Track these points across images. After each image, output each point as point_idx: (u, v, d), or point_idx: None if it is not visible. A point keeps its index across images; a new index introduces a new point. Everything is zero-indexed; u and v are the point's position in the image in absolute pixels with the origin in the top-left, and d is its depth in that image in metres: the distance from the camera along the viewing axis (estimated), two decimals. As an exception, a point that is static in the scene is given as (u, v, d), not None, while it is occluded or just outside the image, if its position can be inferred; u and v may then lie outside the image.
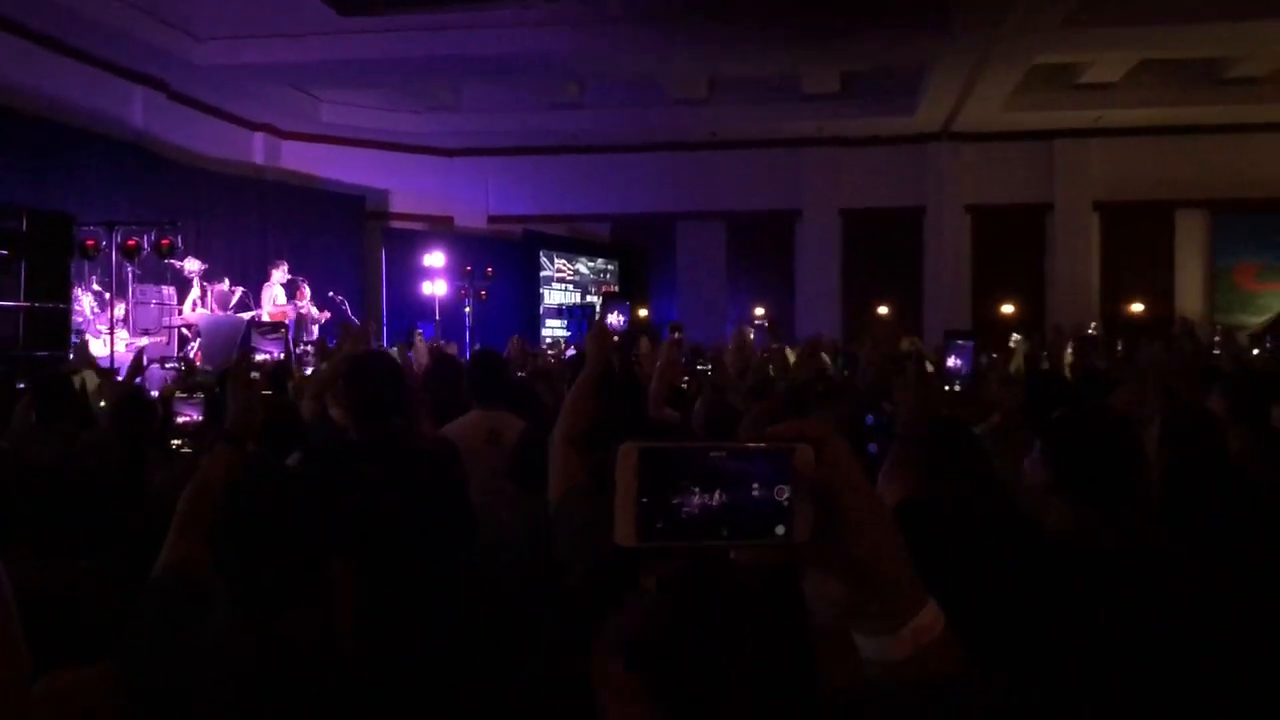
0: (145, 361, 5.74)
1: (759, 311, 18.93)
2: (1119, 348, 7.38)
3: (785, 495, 0.82)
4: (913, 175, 20.58)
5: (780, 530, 0.82)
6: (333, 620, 1.88)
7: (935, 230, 20.80)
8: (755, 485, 0.82)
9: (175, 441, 3.25)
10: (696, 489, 0.81)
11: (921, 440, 2.59)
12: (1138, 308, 19.21)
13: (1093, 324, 16.65)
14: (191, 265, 13.71)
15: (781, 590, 1.72)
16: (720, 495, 0.81)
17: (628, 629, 1.84)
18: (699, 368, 6.12)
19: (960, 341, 4.03)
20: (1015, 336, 8.84)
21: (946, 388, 3.85)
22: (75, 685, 1.95)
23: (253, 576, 1.72)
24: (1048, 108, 18.51)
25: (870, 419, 3.38)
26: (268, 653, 1.68)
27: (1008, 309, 18.32)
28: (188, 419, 3.29)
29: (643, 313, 19.60)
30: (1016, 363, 5.69)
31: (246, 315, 13.51)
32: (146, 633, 1.88)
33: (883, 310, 19.92)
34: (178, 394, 3.35)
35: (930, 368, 7.36)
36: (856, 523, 0.82)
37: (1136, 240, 20.36)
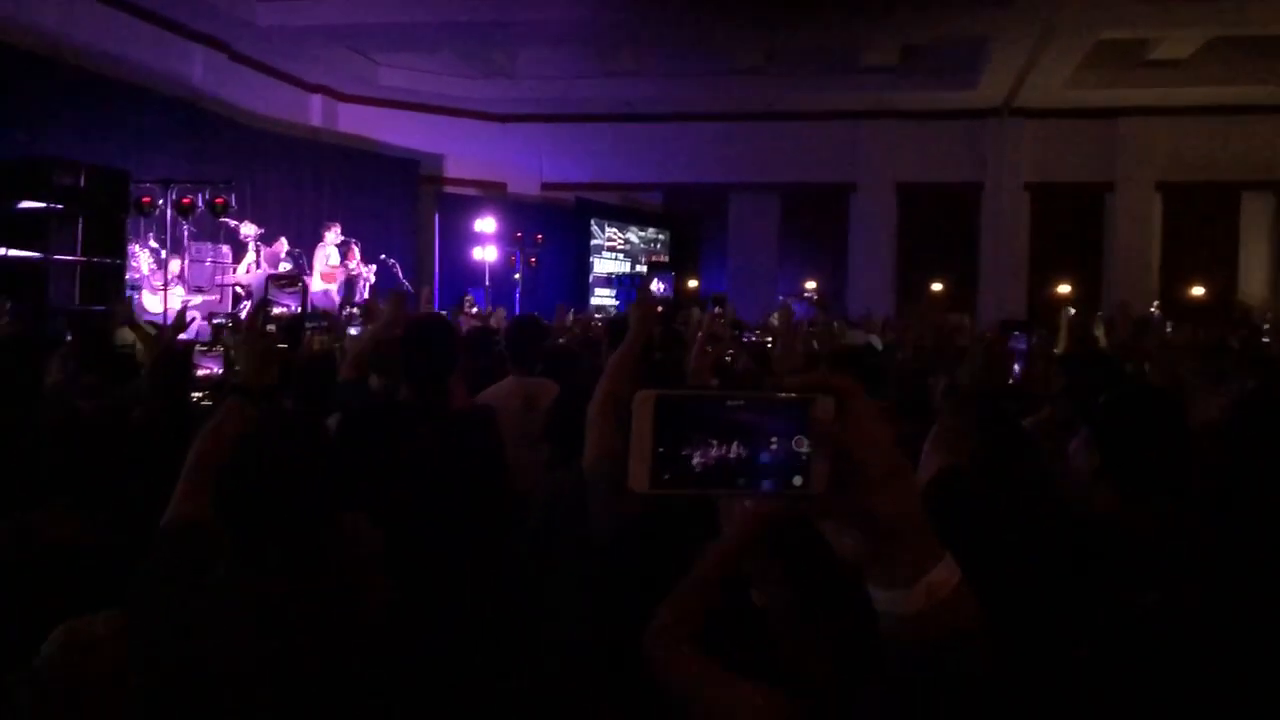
0: (190, 318, 5.80)
1: (810, 285, 18.79)
2: (1168, 330, 7.24)
3: (804, 446, 0.81)
4: (972, 151, 20.24)
5: (798, 481, 0.81)
6: (347, 577, 1.88)
7: (993, 207, 20.46)
8: (773, 435, 0.81)
9: (195, 394, 3.28)
10: (713, 437, 0.80)
11: (968, 409, 2.55)
12: (1199, 291, 18.77)
13: (1154, 305, 16.29)
14: (248, 229, 13.86)
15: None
16: (737, 444, 0.80)
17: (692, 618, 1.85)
18: (743, 340, 6.10)
19: (1016, 333, 3.95)
20: (1070, 311, 8.65)
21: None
22: (91, 632, 1.97)
23: (256, 530, 1.72)
24: (1113, 84, 18.08)
25: None
26: (267, 607, 1.68)
27: (1064, 289, 17.97)
28: (208, 371, 3.32)
29: (692, 284, 19.51)
30: (1062, 341, 5.57)
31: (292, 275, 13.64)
32: (153, 584, 1.89)
33: (936, 287, 19.68)
34: (198, 347, 3.38)
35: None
36: (875, 476, 0.81)
37: (1200, 222, 19.88)
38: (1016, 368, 3.84)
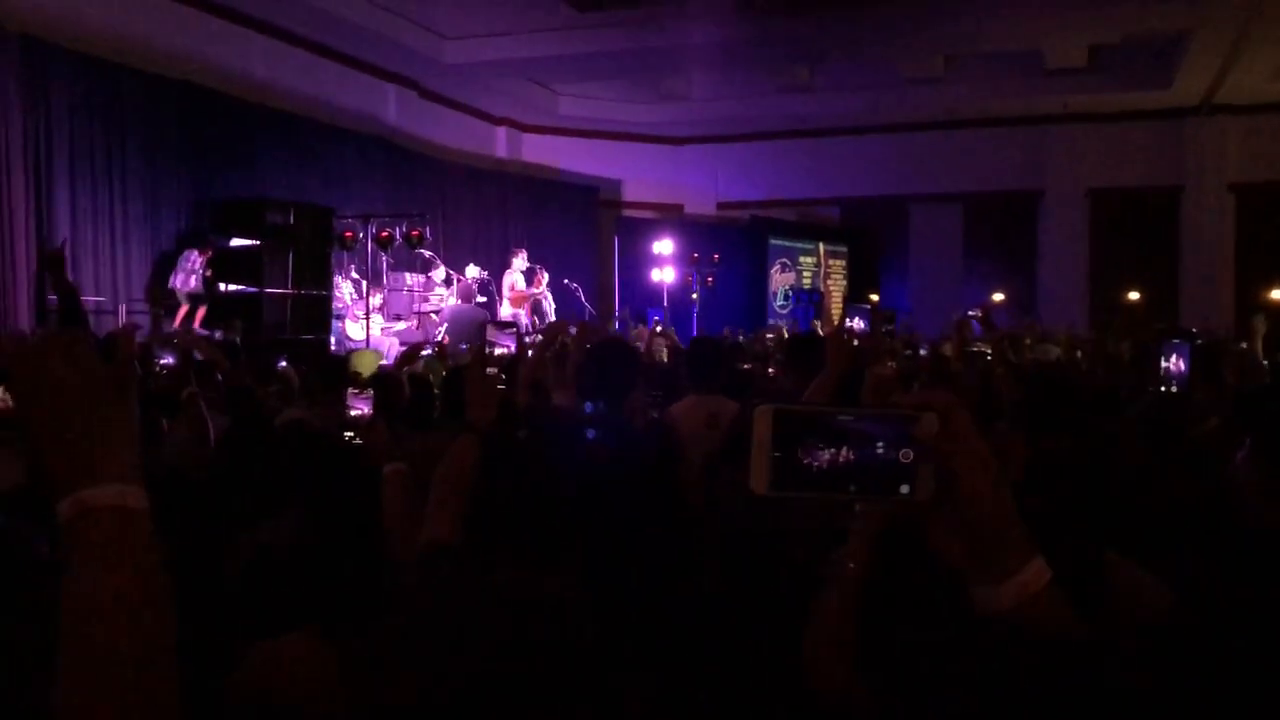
0: (420, 353, 6.26)
1: (998, 297, 18.23)
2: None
3: (910, 458, 0.91)
4: (1169, 152, 19.24)
5: (905, 489, 0.92)
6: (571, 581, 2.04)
7: (1194, 211, 19.38)
8: (881, 446, 0.91)
9: (348, 433, 3.55)
10: (825, 446, 0.91)
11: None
12: None
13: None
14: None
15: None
16: (848, 453, 0.91)
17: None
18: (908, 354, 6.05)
19: (1176, 341, 3.83)
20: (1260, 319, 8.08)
21: (1163, 389, 3.68)
22: (284, 652, 2.16)
23: (513, 543, 1.89)
24: (1327, 74, 16.84)
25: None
26: (529, 612, 1.83)
27: (1277, 294, 16.82)
28: (360, 413, 3.60)
29: (874, 298, 19.23)
30: (1255, 346, 5.23)
31: (483, 299, 14.23)
32: (419, 605, 2.08)
33: (1133, 296, 18.78)
34: (350, 390, 3.67)
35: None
36: (970, 486, 0.91)
37: None
38: (1175, 364, 3.71)
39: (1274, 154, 18.68)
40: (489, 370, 2.89)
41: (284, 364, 6.71)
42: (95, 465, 1.08)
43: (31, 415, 1.10)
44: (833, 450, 0.90)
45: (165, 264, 11.95)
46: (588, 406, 3.74)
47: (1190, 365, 3.75)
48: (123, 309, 11.20)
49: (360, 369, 7.76)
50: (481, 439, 2.60)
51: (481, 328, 12.08)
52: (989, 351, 5.99)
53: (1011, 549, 0.93)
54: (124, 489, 1.08)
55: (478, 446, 2.55)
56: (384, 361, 10.41)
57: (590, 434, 3.60)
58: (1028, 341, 7.50)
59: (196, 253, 11.61)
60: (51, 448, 1.09)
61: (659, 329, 11.41)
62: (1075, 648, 0.90)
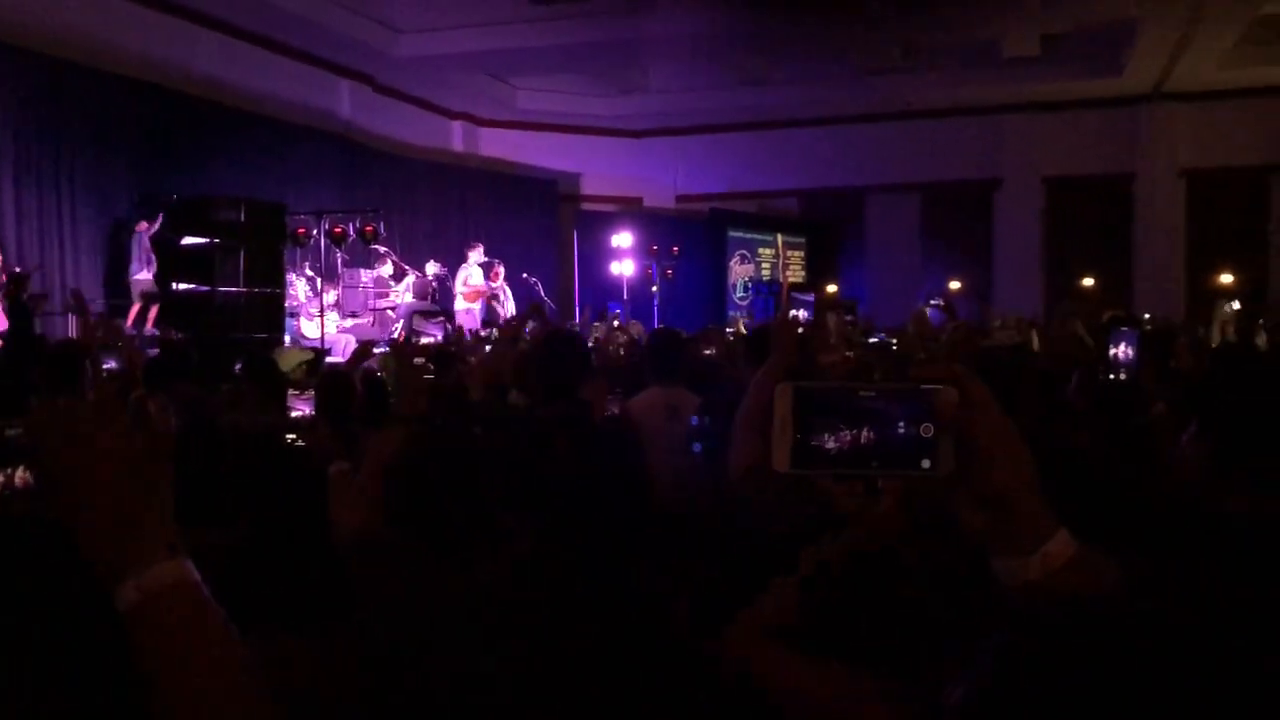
0: (373, 350, 6.14)
1: (954, 285, 18.34)
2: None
3: (930, 432, 0.89)
4: (1121, 140, 19.43)
5: (926, 464, 0.90)
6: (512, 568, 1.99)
7: (1146, 198, 19.61)
8: (902, 422, 0.89)
9: (290, 436, 3.48)
10: (846, 424, 0.89)
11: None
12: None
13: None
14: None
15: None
16: (868, 430, 0.89)
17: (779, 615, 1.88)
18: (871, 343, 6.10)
19: (1124, 329, 3.88)
20: (1233, 306, 8.18)
21: (1111, 376, 3.74)
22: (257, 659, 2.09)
23: (437, 533, 1.84)
24: (1275, 62, 17.07)
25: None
26: (462, 598, 1.79)
27: (1227, 279, 17.05)
28: (300, 413, 3.54)
29: (831, 288, 19.28)
30: (1216, 335, 5.29)
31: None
32: (356, 594, 2.02)
33: (1088, 282, 18.97)
34: (290, 390, 3.59)
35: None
36: (994, 458, 0.90)
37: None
38: (1123, 350, 3.76)
39: (1224, 140, 18.93)
40: (415, 360, 2.85)
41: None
42: (147, 542, 0.99)
43: (66, 493, 1.00)
44: (853, 427, 0.89)
45: (115, 264, 11.74)
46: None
47: (1139, 352, 3.81)
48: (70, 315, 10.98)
49: (283, 366, 7.62)
50: (408, 429, 2.58)
51: (404, 320, 11.96)
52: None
53: (1036, 520, 0.92)
54: (180, 561, 1.00)
55: (401, 437, 2.54)
56: (335, 359, 10.28)
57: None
58: (997, 324, 7.55)
59: (140, 230, 11.39)
60: (95, 528, 0.99)
61: (616, 324, 11.37)
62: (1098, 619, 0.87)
